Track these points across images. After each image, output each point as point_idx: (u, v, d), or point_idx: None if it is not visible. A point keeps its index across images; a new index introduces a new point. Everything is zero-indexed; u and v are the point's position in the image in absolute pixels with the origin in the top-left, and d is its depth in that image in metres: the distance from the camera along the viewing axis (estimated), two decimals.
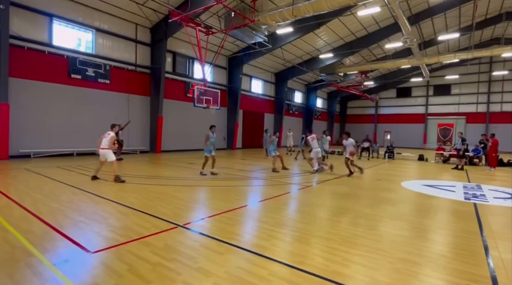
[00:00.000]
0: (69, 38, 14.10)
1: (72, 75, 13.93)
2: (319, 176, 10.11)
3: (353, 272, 2.93)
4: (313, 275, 2.83)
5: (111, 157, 7.79)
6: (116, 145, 8.26)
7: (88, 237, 3.74)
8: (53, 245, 3.44)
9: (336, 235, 4.02)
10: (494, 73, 29.40)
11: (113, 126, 8.22)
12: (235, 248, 3.47)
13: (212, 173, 9.24)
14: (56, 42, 13.45)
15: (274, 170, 10.49)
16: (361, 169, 10.33)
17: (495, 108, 31.29)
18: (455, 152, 14.77)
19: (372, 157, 18.29)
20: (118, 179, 7.50)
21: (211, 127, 9.56)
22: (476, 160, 15.40)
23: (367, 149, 18.00)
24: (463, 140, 13.58)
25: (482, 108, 31.98)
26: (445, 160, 16.58)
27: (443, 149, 17.60)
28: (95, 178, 7.76)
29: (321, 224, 4.60)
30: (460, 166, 13.23)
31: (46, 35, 13.14)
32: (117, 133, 13.20)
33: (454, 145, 17.16)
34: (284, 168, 11.00)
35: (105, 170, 8.50)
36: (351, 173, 10.03)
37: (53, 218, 4.43)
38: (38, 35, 12.88)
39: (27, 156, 12.56)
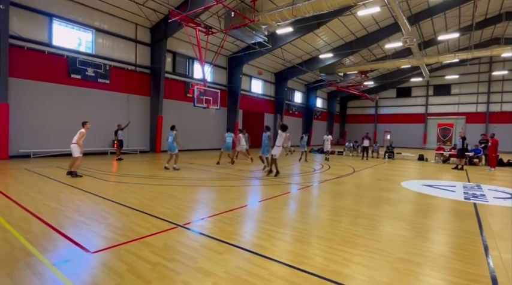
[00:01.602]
0: (69, 38, 14.09)
1: (72, 75, 13.93)
2: (320, 176, 10.12)
3: (353, 272, 2.93)
4: (313, 275, 2.83)
5: (75, 153, 8.20)
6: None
7: (88, 237, 3.74)
8: (52, 245, 3.44)
9: (335, 235, 4.02)
10: (494, 73, 29.42)
11: (83, 123, 8.55)
12: (235, 248, 3.47)
13: (174, 168, 10.11)
14: (55, 42, 13.45)
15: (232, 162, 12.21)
16: (277, 172, 9.41)
17: (495, 108, 31.30)
18: (455, 152, 14.79)
19: (372, 157, 18.28)
20: (69, 174, 8.13)
21: (173, 127, 10.72)
22: (476, 160, 15.41)
23: (366, 148, 17.47)
24: (464, 139, 13.45)
25: (482, 108, 32.00)
26: (445, 160, 16.60)
27: (443, 149, 17.61)
28: (70, 173, 8.21)
29: (320, 224, 4.60)
30: (460, 166, 13.23)
31: (46, 35, 13.14)
32: (116, 133, 13.30)
33: (454, 144, 17.08)
34: (231, 161, 12.51)
35: (102, 169, 8.53)
36: (271, 171, 9.47)
37: (53, 218, 4.43)
38: (38, 35, 12.88)
39: (27, 156, 12.56)
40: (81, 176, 8.16)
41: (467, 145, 13.93)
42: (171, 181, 8.19)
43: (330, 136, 16.45)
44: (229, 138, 12.78)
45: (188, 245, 3.54)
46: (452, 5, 18.50)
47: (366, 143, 17.44)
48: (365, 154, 17.59)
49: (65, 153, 13.78)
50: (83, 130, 8.29)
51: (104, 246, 3.42)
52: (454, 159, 15.10)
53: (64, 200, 5.60)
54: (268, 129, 10.81)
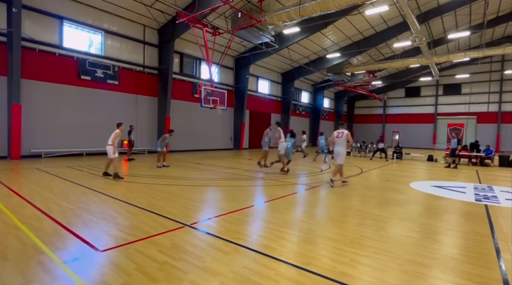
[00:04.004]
0: (79, 39, 14.35)
1: (82, 76, 14.17)
2: (327, 176, 10.05)
3: (360, 274, 2.91)
4: (320, 276, 2.81)
5: (111, 154, 8.22)
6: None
7: (97, 236, 3.80)
8: (63, 243, 3.50)
9: (343, 236, 3.98)
10: (506, 72, 28.76)
11: (118, 125, 8.62)
12: (242, 248, 3.48)
13: (164, 166, 10.88)
14: (66, 44, 13.71)
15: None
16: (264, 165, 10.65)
17: (507, 107, 30.61)
18: (467, 153, 14.75)
19: (380, 158, 18.07)
20: (106, 174, 8.41)
21: (171, 131, 11.73)
22: (487, 161, 15.10)
23: (382, 150, 17.80)
24: (459, 140, 13.78)
25: (493, 108, 31.33)
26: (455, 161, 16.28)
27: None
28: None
29: (328, 225, 4.57)
30: (452, 166, 13.47)
31: (57, 37, 13.40)
32: (129, 133, 13.38)
33: (456, 144, 16.60)
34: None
35: (111, 169, 8.62)
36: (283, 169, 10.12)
37: (63, 216, 4.52)
38: (49, 37, 13.15)
39: (38, 156, 12.82)
40: (122, 178, 8.11)
41: (479, 145, 14.04)
42: (179, 181, 8.26)
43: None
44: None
45: (195, 245, 3.56)
46: (462, 2, 18.14)
47: (381, 145, 17.82)
48: (382, 156, 17.93)
49: (75, 153, 14.05)
50: (117, 130, 8.37)
51: (113, 245, 3.46)
52: (447, 158, 14.98)
53: (74, 199, 5.69)
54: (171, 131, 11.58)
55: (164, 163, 11.06)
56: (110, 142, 8.17)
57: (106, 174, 8.40)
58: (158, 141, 11.46)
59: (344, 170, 8.30)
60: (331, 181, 7.84)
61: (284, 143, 10.21)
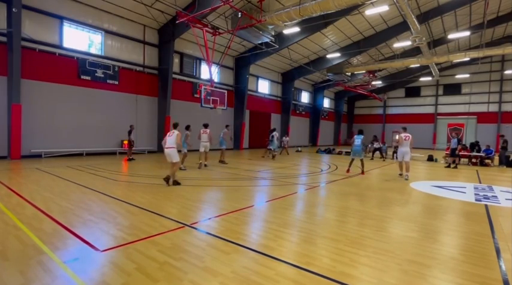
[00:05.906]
0: (79, 39, 14.34)
1: (82, 76, 14.16)
2: (327, 176, 10.06)
3: (360, 274, 2.91)
4: (320, 276, 2.82)
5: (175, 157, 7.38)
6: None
7: (97, 236, 3.80)
8: (63, 243, 3.50)
9: (343, 236, 3.99)
10: (506, 72, 28.75)
11: (175, 125, 7.71)
12: (242, 248, 3.48)
13: (180, 169, 9.99)
14: (66, 44, 13.70)
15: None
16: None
17: (507, 107, 30.60)
18: (467, 153, 14.80)
19: (381, 158, 18.08)
20: (176, 183, 7.38)
21: (188, 127, 11.07)
22: (487, 161, 15.10)
23: (379, 150, 17.96)
24: (459, 140, 13.91)
25: (493, 108, 31.32)
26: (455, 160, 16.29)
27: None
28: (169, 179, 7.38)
29: (328, 225, 4.57)
30: (452, 166, 13.50)
31: (57, 37, 13.39)
32: (130, 133, 13.26)
33: (456, 144, 16.60)
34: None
35: (112, 169, 8.63)
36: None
37: (63, 216, 4.52)
38: (49, 37, 13.14)
39: (38, 156, 12.81)
40: (180, 183, 7.37)
41: (479, 145, 14.13)
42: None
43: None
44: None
45: (195, 245, 3.56)
46: (462, 2, 18.14)
47: (376, 145, 18.08)
48: (375, 155, 18.07)
49: (75, 153, 14.04)
50: (187, 132, 7.34)
51: (113, 245, 3.47)
52: (447, 158, 15.06)
53: (74, 199, 5.69)
54: None
55: (205, 162, 10.95)
56: (172, 144, 7.28)
57: (176, 183, 7.34)
58: (183, 141, 10.09)
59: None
60: (407, 175, 9.55)
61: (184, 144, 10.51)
